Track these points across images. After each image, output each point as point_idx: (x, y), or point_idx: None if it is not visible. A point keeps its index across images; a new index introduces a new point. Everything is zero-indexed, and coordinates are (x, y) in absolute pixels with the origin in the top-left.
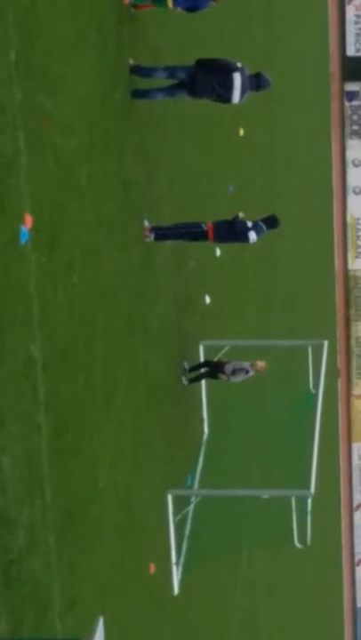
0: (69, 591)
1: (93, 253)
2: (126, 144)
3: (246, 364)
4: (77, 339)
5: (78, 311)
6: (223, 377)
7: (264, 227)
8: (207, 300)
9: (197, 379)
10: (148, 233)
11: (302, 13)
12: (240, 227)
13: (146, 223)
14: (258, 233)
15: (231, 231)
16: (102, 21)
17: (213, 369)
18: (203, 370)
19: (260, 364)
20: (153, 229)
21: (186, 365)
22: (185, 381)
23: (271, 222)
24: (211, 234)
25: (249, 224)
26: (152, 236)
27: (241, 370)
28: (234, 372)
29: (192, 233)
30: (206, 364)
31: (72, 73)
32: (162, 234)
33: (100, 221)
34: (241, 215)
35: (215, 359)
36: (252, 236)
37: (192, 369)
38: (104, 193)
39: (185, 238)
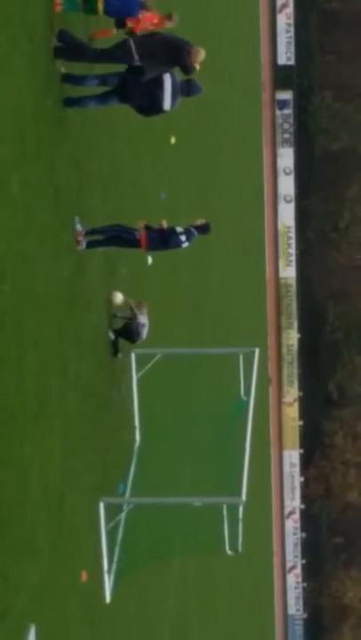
0: (1, 601)
1: (25, 261)
2: (58, 152)
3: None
4: (9, 347)
5: (9, 319)
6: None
7: (195, 232)
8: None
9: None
10: (80, 238)
11: (234, 22)
12: (172, 235)
13: (78, 227)
14: (189, 239)
15: (163, 240)
16: (33, 30)
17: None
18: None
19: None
20: (87, 233)
21: (111, 334)
22: (111, 335)
23: (202, 228)
24: (144, 243)
25: (180, 231)
26: (84, 244)
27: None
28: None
29: (125, 239)
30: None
31: (3, 81)
32: (94, 241)
33: (32, 229)
34: (164, 223)
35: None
36: (185, 244)
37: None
38: (35, 201)
39: (117, 244)
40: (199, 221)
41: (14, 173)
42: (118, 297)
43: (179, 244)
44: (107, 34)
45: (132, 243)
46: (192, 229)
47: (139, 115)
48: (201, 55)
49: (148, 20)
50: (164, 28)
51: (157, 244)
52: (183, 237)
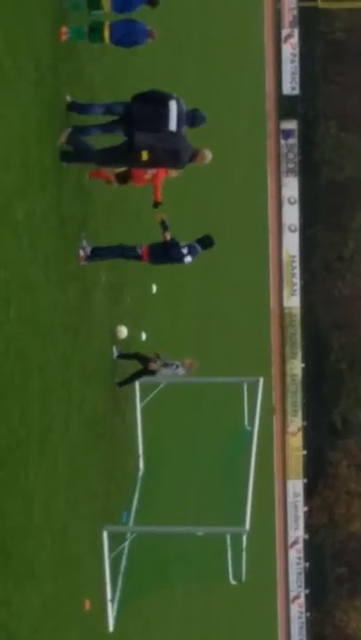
0: (4, 628)
1: (30, 289)
2: (63, 180)
3: (173, 367)
4: (13, 374)
5: (14, 347)
6: (154, 366)
7: (198, 247)
8: (143, 336)
9: (128, 380)
10: (84, 254)
11: (238, 52)
12: (175, 249)
13: (84, 243)
14: (192, 254)
15: (166, 253)
16: (39, 58)
17: (143, 362)
18: (134, 372)
19: (189, 360)
20: (93, 251)
21: (115, 351)
22: (115, 353)
23: (205, 242)
24: (146, 257)
25: (183, 246)
26: (87, 256)
27: (171, 365)
28: (165, 365)
29: (127, 255)
30: (136, 355)
31: (8, 109)
32: (97, 254)
33: (37, 257)
34: (168, 236)
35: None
36: (187, 258)
37: (122, 356)
38: (40, 229)
39: (119, 257)
40: (200, 235)
41: (19, 201)
42: (123, 332)
43: (181, 257)
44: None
45: (135, 258)
46: (195, 244)
47: None
48: (207, 159)
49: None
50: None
51: (159, 256)
52: (185, 250)
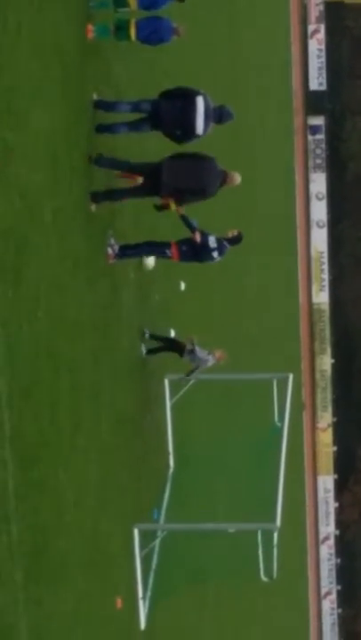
0: (36, 627)
1: (58, 288)
2: (91, 178)
3: (205, 353)
4: (43, 373)
5: (44, 346)
6: (186, 356)
7: (227, 244)
8: (172, 333)
9: (156, 351)
10: (112, 252)
11: (265, 48)
12: (204, 248)
13: (111, 240)
14: (221, 251)
15: (195, 251)
16: (65, 56)
17: (173, 345)
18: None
19: (219, 352)
20: (121, 248)
21: (147, 333)
22: (143, 350)
23: (234, 239)
24: (175, 256)
25: (212, 242)
26: (115, 254)
27: (203, 351)
28: (192, 352)
29: (156, 252)
30: (167, 340)
31: (36, 108)
32: (125, 253)
33: (65, 256)
34: (198, 235)
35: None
36: (216, 257)
37: (153, 337)
38: (69, 228)
39: (148, 254)
40: (231, 233)
41: (47, 201)
42: (150, 263)
43: (211, 257)
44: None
45: (164, 256)
46: (224, 242)
47: (171, 142)
48: (236, 182)
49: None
50: None
51: (189, 256)
52: (215, 253)
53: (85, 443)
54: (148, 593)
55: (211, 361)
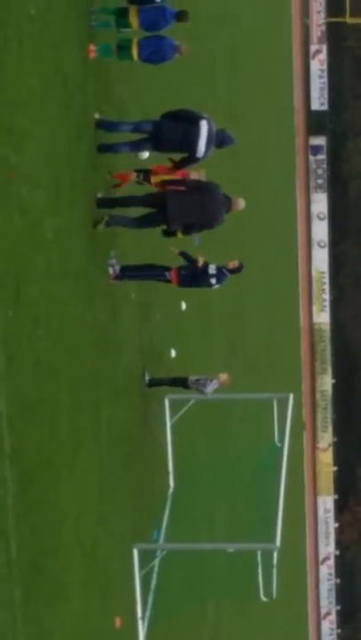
0: None
1: (59, 306)
2: (92, 197)
3: (209, 379)
4: (43, 392)
5: (44, 364)
6: (192, 387)
7: (227, 273)
8: (173, 353)
9: (159, 383)
10: (113, 272)
11: (267, 68)
12: (203, 275)
13: (113, 261)
14: (220, 279)
15: (194, 277)
16: (67, 76)
17: (176, 381)
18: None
19: (223, 376)
20: (122, 268)
21: (147, 376)
22: (146, 381)
23: (235, 271)
24: (175, 280)
25: (212, 270)
26: (116, 275)
27: (205, 382)
28: (197, 381)
29: (155, 277)
30: (168, 379)
31: (37, 127)
32: (127, 275)
33: (66, 274)
34: (201, 261)
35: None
36: (215, 285)
37: (154, 381)
38: (70, 246)
39: (148, 278)
40: (232, 264)
41: (48, 219)
42: (145, 154)
43: (209, 284)
44: (127, 178)
45: (163, 279)
46: (224, 271)
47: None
48: (240, 207)
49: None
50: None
51: (188, 281)
52: (214, 280)
53: (85, 461)
54: (148, 613)
55: (216, 385)
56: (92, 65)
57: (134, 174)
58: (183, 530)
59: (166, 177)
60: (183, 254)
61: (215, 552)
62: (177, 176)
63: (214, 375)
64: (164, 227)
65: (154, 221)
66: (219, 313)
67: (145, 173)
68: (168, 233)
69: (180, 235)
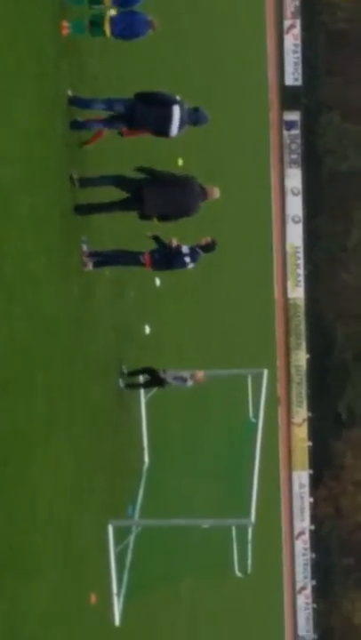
0: (9, 623)
1: (33, 283)
2: (65, 172)
3: (185, 374)
4: (17, 369)
5: (18, 342)
6: (169, 384)
7: (200, 251)
8: (147, 329)
9: (135, 386)
10: (86, 259)
11: (241, 43)
12: (176, 256)
13: (85, 247)
14: (194, 258)
15: (168, 259)
16: (41, 52)
17: (153, 377)
18: (142, 378)
19: (199, 374)
20: (91, 254)
21: (124, 369)
22: (122, 384)
23: (208, 247)
24: (148, 263)
25: (185, 249)
26: (90, 265)
27: (180, 378)
28: (175, 379)
29: (130, 261)
30: (145, 370)
31: (10, 103)
32: (101, 261)
33: (40, 251)
34: (174, 243)
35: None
36: (190, 264)
37: (131, 374)
38: (44, 222)
39: (123, 263)
40: (204, 240)
41: (22, 195)
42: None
43: (184, 264)
44: (99, 136)
45: (138, 264)
46: (197, 249)
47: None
48: (215, 196)
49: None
50: None
51: (162, 264)
52: (188, 259)
53: (60, 439)
54: (123, 589)
55: (190, 383)
56: (66, 41)
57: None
58: (158, 506)
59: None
60: (156, 238)
61: (190, 528)
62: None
63: (190, 372)
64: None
65: (129, 207)
66: (193, 289)
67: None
68: (144, 217)
69: (155, 220)
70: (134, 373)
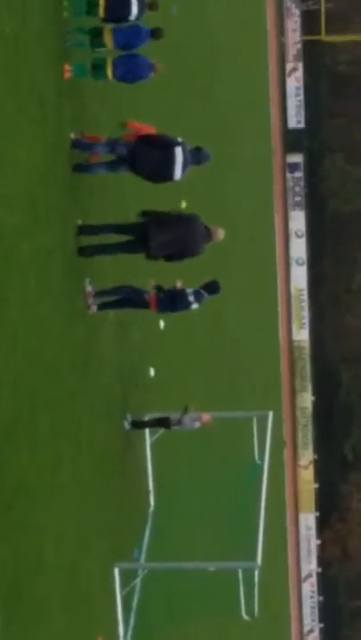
0: None
1: (37, 327)
2: (69, 218)
3: (192, 420)
4: (22, 413)
5: (22, 386)
6: (174, 427)
7: (205, 293)
8: (152, 372)
9: (141, 425)
10: (90, 301)
11: (243, 86)
12: (181, 297)
13: (89, 288)
14: (198, 300)
15: (173, 301)
16: (42, 95)
17: (159, 422)
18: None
19: (206, 416)
20: (97, 294)
21: (128, 417)
22: (127, 426)
23: (211, 288)
24: (153, 304)
25: (190, 292)
26: (95, 307)
27: (187, 422)
28: (180, 422)
29: (135, 300)
30: (151, 422)
31: (12, 148)
32: (105, 303)
33: (44, 296)
34: (179, 285)
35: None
36: (194, 305)
37: (136, 424)
38: (47, 268)
39: (128, 306)
40: (208, 279)
41: (25, 241)
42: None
43: (188, 305)
44: (96, 139)
45: (142, 304)
46: (201, 291)
47: (148, 182)
48: (220, 237)
49: (145, 129)
50: None
51: (166, 305)
52: (192, 298)
53: (66, 482)
54: (130, 632)
55: (197, 425)
56: (68, 85)
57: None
58: (164, 549)
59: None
60: (158, 287)
61: (196, 571)
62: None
63: (197, 416)
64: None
65: (134, 250)
66: (198, 331)
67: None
68: (150, 257)
69: (162, 259)
70: (139, 425)
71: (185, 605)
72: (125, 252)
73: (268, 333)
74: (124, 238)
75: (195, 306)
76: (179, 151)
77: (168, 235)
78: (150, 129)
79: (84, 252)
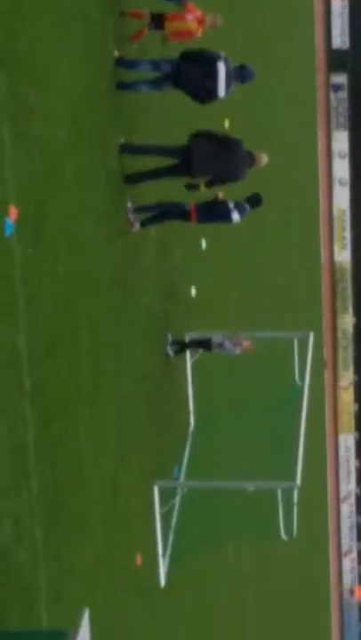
0: (55, 583)
1: (79, 245)
2: (111, 135)
3: (233, 344)
4: (63, 330)
5: (63, 303)
6: (215, 350)
7: (247, 206)
8: (193, 291)
9: (183, 347)
10: (132, 217)
11: (288, 6)
12: (222, 207)
13: (129, 204)
14: (241, 212)
15: (214, 211)
16: (87, 12)
17: (200, 343)
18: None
19: (247, 343)
20: (136, 210)
21: (170, 338)
22: (170, 352)
23: (254, 201)
24: (193, 214)
25: (231, 204)
26: (138, 225)
27: (227, 346)
28: (221, 346)
29: (175, 212)
30: (191, 344)
31: (57, 64)
32: (147, 219)
33: (86, 213)
34: (220, 196)
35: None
36: (235, 215)
37: (175, 343)
38: (89, 184)
39: (168, 218)
40: (248, 194)
41: (68, 157)
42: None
43: (228, 214)
44: (140, 36)
45: (183, 215)
46: (244, 203)
47: (192, 100)
48: (263, 162)
49: (190, 18)
50: (204, 28)
51: (207, 215)
52: (235, 214)
53: (105, 399)
54: (168, 551)
55: (238, 351)
56: (112, 1)
57: (148, 16)
58: (204, 468)
59: (182, 24)
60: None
61: (235, 491)
62: (191, 24)
63: (238, 340)
64: (188, 178)
65: (177, 172)
66: (239, 251)
67: (158, 20)
68: (191, 186)
69: (203, 188)
70: (179, 344)
71: (224, 525)
72: (170, 176)
73: (309, 254)
74: (167, 162)
75: (236, 217)
76: (221, 66)
77: (211, 152)
78: (196, 12)
79: (130, 179)
